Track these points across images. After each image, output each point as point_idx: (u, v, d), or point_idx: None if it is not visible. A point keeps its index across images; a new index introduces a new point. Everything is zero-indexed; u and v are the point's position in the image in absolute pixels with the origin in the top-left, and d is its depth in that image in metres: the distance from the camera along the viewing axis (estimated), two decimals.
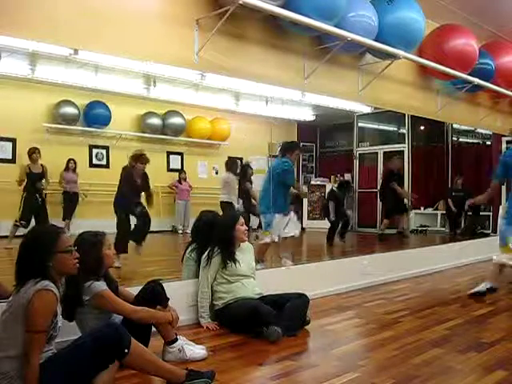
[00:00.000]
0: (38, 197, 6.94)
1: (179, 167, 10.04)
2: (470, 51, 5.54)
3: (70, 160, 8.37)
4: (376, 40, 4.55)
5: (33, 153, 6.99)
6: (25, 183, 6.94)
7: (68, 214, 8.01)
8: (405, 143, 10.36)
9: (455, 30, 5.56)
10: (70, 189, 8.20)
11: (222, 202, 6.80)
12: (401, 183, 8.31)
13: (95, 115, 8.60)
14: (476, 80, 5.86)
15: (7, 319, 2.04)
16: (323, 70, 4.67)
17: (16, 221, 6.56)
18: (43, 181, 7.04)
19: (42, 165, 7.06)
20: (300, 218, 10.56)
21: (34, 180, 6.93)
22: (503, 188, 8.91)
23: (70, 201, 8.13)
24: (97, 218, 7.42)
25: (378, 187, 9.24)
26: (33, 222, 6.53)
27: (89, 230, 2.72)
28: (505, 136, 8.57)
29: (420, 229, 10.11)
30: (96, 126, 8.72)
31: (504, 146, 8.98)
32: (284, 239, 5.47)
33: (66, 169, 8.33)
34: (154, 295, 2.77)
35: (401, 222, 8.50)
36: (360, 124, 10.98)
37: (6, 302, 2.18)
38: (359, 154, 10.46)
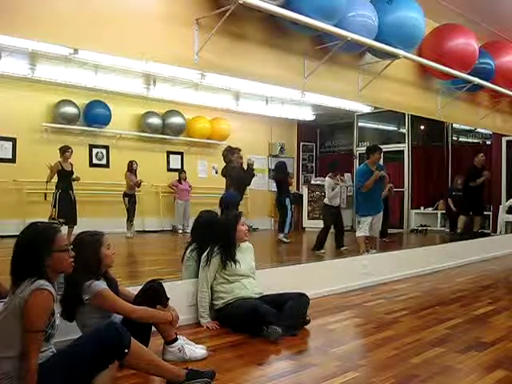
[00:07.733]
0: (72, 194, 6.98)
1: (179, 167, 10.03)
2: (470, 51, 5.54)
3: (132, 161, 8.52)
4: (376, 40, 4.56)
5: (65, 151, 7.01)
6: (56, 181, 6.97)
7: (131, 216, 8.33)
8: (405, 143, 10.38)
9: (455, 29, 5.55)
10: (131, 191, 8.44)
11: None
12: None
13: (95, 115, 8.60)
14: (476, 80, 5.86)
15: (5, 319, 2.04)
16: (323, 70, 4.67)
17: (54, 219, 6.50)
18: (74, 176, 7.09)
19: (71, 163, 7.09)
20: (300, 219, 10.64)
21: (66, 177, 6.97)
22: (503, 188, 8.99)
23: (134, 202, 8.44)
24: (96, 217, 7.46)
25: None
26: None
27: (87, 230, 2.71)
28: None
29: (420, 228, 10.12)
30: (96, 125, 8.72)
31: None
32: None
33: (130, 170, 8.45)
34: (153, 295, 2.76)
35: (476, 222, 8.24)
36: (360, 124, 10.97)
37: (3, 301, 2.18)
38: (359, 153, 10.43)
